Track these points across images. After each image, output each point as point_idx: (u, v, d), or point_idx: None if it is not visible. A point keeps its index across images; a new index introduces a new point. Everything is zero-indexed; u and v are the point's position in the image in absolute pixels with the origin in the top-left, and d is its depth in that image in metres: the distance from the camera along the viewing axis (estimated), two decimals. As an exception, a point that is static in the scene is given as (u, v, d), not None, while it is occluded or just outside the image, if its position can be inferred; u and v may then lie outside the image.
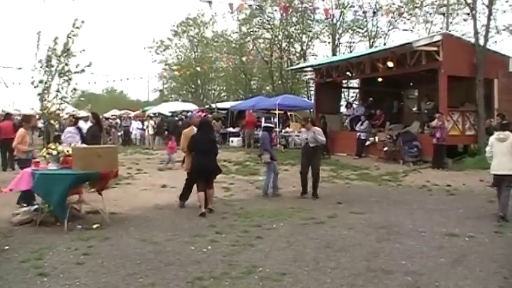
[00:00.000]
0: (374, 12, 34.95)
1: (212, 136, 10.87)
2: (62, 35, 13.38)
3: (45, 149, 9.52)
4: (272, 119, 27.77)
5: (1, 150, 16.96)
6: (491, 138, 10.35)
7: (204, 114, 26.88)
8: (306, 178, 12.44)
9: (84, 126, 14.83)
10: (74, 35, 13.33)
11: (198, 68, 43.38)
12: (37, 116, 15.96)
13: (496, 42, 26.33)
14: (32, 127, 12.24)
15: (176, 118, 31.28)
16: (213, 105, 35.64)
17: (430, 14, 35.30)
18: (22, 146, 10.70)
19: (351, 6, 37.00)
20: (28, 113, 17.07)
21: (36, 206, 9.08)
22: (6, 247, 7.33)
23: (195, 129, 10.62)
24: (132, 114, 40.49)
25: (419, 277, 6.09)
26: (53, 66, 13.47)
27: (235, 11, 28.60)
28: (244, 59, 43.07)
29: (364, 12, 36.49)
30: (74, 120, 13.94)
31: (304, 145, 12.62)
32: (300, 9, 36.37)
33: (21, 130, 10.94)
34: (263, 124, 13.56)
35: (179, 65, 50.31)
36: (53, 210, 8.72)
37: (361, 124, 21.94)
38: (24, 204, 9.60)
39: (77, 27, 13.18)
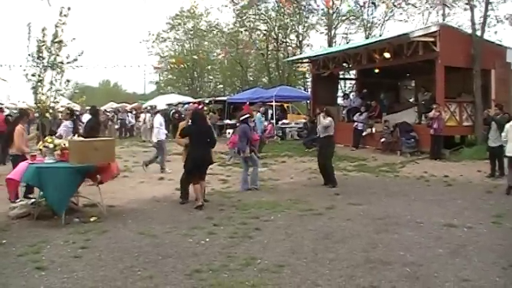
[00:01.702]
0: (373, 3, 34.77)
1: (207, 127, 10.65)
2: (51, 25, 13.27)
3: (41, 142, 9.47)
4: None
5: (4, 144, 16.77)
6: (507, 126, 11.80)
7: (201, 106, 26.82)
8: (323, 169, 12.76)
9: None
10: (62, 24, 13.18)
11: (195, 56, 43.18)
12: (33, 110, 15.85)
13: (496, 32, 26.10)
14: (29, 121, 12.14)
15: (173, 110, 31.17)
16: (210, 99, 35.54)
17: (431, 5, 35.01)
18: (24, 146, 10.56)
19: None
20: (25, 107, 16.97)
21: (33, 200, 9.05)
22: (4, 241, 7.31)
23: (190, 122, 10.59)
24: (129, 107, 40.40)
25: (418, 268, 6.08)
26: (44, 58, 13.34)
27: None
28: (240, 47, 42.95)
29: (361, 5, 36.35)
30: (70, 113, 13.86)
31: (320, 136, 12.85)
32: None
33: (20, 128, 10.74)
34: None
35: (175, 57, 50.14)
36: (51, 204, 8.69)
37: (360, 114, 21.91)
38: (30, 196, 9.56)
39: (65, 15, 13.04)
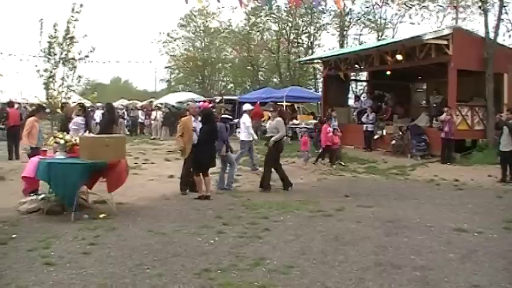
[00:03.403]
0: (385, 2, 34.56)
1: (215, 126, 11.04)
2: (62, 21, 13.29)
3: (52, 137, 9.50)
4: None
5: (8, 139, 16.91)
6: None
7: (211, 105, 26.82)
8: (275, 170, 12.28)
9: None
10: (74, 20, 13.19)
11: (207, 53, 43.20)
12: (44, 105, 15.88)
13: (510, 36, 25.75)
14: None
15: (181, 108, 31.17)
16: (220, 98, 35.49)
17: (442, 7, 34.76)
18: (32, 138, 10.65)
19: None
20: (41, 102, 17.11)
21: (43, 195, 9.07)
22: (14, 236, 7.33)
23: (193, 118, 11.05)
24: (139, 104, 40.48)
25: (428, 272, 6.03)
26: (55, 54, 13.37)
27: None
28: (251, 46, 42.98)
29: (373, 5, 36.17)
30: (82, 109, 13.82)
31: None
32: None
33: (32, 119, 10.87)
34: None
35: (186, 55, 50.23)
36: (61, 199, 8.71)
37: (367, 116, 21.81)
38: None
39: (77, 12, 13.05)
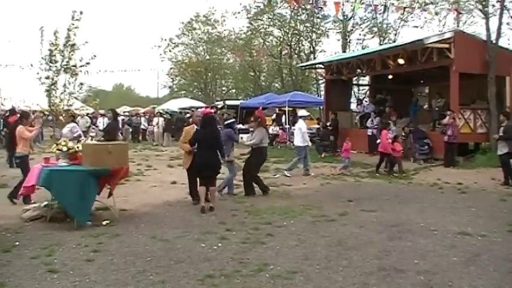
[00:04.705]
0: (385, 6, 34.47)
1: (216, 132, 10.65)
2: (63, 28, 13.31)
3: (55, 145, 9.51)
4: (231, 115, 27.32)
5: (9, 146, 16.87)
6: None
7: (213, 111, 26.85)
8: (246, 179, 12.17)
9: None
10: (74, 28, 13.22)
11: (208, 57, 43.25)
12: (46, 112, 15.89)
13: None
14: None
15: (187, 115, 31.22)
16: (222, 103, 35.50)
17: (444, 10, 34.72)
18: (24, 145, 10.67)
19: (362, 2, 36.66)
20: (39, 109, 17.10)
21: (46, 202, 9.07)
22: (17, 243, 7.33)
23: (195, 127, 10.78)
24: (142, 110, 40.54)
25: (432, 276, 6.01)
26: (57, 61, 13.38)
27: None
28: (253, 52, 43.04)
29: (374, 9, 36.07)
30: (71, 117, 13.84)
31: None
32: (309, 4, 35.99)
33: (22, 127, 10.83)
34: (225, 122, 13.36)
35: (189, 62, 50.23)
36: (67, 208, 8.70)
37: (372, 121, 21.79)
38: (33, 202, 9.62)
39: (77, 19, 13.08)
